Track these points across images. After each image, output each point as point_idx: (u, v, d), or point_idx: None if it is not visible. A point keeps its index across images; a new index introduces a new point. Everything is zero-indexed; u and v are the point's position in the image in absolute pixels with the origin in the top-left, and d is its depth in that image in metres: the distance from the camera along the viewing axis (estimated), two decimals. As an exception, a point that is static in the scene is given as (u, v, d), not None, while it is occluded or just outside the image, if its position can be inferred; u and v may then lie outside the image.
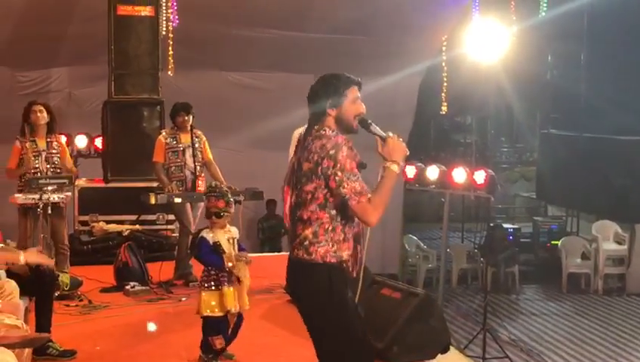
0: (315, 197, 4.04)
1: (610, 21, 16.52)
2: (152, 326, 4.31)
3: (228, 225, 5.84)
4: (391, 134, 4.12)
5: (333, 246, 4.05)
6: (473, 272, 15.97)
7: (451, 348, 6.38)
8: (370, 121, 4.18)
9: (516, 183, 22.97)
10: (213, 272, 5.64)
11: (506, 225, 17.70)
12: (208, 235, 5.70)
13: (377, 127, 4.16)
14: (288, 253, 4.27)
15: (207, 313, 5.60)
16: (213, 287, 5.62)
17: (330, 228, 4.05)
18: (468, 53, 12.00)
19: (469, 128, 22.56)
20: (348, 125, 4.17)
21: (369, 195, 3.94)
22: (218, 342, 5.66)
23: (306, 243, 4.07)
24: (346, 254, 4.09)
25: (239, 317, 5.76)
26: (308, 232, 4.07)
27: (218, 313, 5.60)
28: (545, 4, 11.95)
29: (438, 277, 13.29)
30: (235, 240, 5.80)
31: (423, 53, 12.94)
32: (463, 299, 15.00)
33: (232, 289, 5.62)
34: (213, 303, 5.60)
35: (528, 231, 18.02)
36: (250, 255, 5.96)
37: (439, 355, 6.05)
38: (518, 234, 17.40)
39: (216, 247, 5.65)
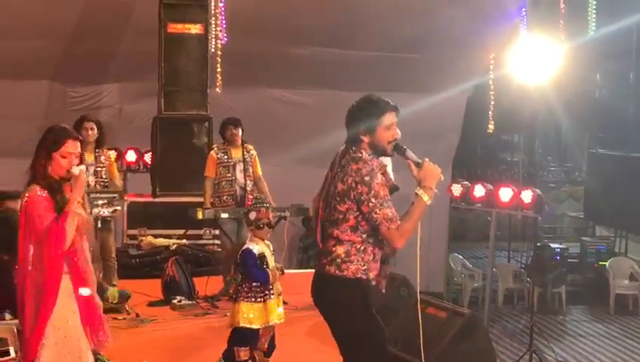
0: (346, 218, 4.15)
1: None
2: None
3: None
4: (427, 160, 4.16)
5: (364, 265, 4.18)
6: (519, 292, 15.77)
7: (497, 368, 6.31)
8: (405, 147, 4.23)
9: (564, 203, 22.68)
10: (256, 285, 5.63)
11: (553, 245, 17.45)
12: (254, 247, 5.70)
13: (412, 153, 4.21)
14: (317, 263, 4.38)
15: (245, 324, 5.55)
16: (255, 299, 5.59)
17: (362, 249, 4.17)
18: (516, 73, 11.88)
19: (516, 146, 22.35)
20: (382, 150, 4.24)
21: (399, 222, 4.04)
22: (243, 354, 5.59)
23: (338, 260, 4.17)
24: (373, 274, 4.21)
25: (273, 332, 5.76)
26: (340, 251, 4.18)
27: (256, 325, 5.55)
28: (594, 23, 11.82)
29: (484, 297, 13.18)
30: (273, 252, 5.82)
31: (471, 71, 12.89)
32: (509, 319, 14.82)
33: (273, 302, 5.64)
34: (252, 315, 5.56)
35: (576, 252, 17.76)
36: (292, 271, 5.97)
37: (485, 375, 5.99)
38: (566, 254, 17.15)
39: (262, 259, 5.65)
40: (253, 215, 5.84)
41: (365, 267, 4.16)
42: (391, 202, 4.10)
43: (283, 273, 5.81)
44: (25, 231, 4.35)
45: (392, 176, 4.51)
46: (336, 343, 4.35)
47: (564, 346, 12.88)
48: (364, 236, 4.15)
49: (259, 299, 5.62)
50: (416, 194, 4.11)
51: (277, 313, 5.65)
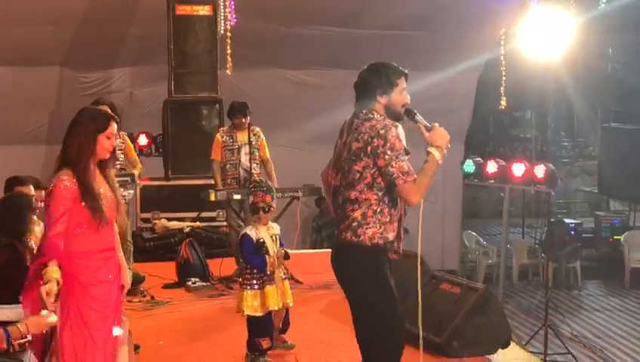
0: (363, 176, 4.14)
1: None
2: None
3: (270, 222, 5.85)
4: (436, 124, 4.21)
5: (380, 227, 4.16)
6: (534, 268, 15.76)
7: (512, 343, 6.31)
8: (415, 111, 4.25)
9: (577, 178, 22.60)
10: (255, 271, 5.64)
11: (567, 220, 17.44)
12: (252, 232, 5.69)
13: (421, 117, 4.25)
14: (335, 235, 4.38)
15: (250, 313, 5.60)
16: (256, 286, 5.62)
17: (378, 210, 4.16)
18: (526, 48, 11.80)
19: (528, 123, 22.24)
20: (395, 113, 4.28)
21: (415, 176, 4.03)
22: (265, 343, 5.65)
23: (355, 224, 4.17)
24: (391, 235, 4.21)
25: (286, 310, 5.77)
26: (357, 214, 4.17)
27: (259, 312, 5.59)
28: (606, -4, 11.73)
29: (498, 273, 13.17)
30: (277, 236, 5.79)
31: (481, 47, 12.81)
32: (524, 294, 14.82)
33: (274, 287, 5.64)
34: (256, 303, 5.61)
35: (590, 226, 17.72)
36: (305, 251, 5.97)
37: (500, 350, 5.99)
38: (580, 229, 17.12)
39: (260, 245, 5.64)
40: (250, 199, 5.84)
41: (382, 230, 4.16)
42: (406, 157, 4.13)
43: (288, 257, 5.79)
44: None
45: (404, 141, 4.50)
46: (351, 314, 4.36)
47: (579, 321, 12.88)
48: (380, 194, 4.14)
49: (256, 286, 5.62)
50: (428, 152, 4.14)
51: (276, 298, 5.64)
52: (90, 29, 11.47)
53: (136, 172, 8.45)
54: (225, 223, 9.10)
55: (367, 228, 4.15)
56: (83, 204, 4.19)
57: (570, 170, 22.52)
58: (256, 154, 8.50)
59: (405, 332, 4.30)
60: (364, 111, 4.24)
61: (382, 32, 12.15)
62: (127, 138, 8.43)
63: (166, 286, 8.36)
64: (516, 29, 12.16)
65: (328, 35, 12.27)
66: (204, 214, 9.87)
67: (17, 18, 10.94)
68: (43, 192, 6.86)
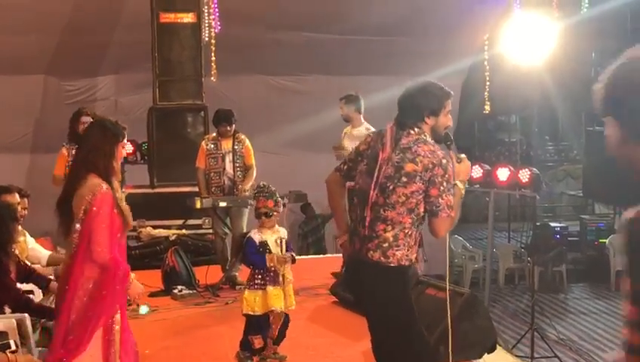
0: (408, 200, 4.09)
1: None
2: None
3: (277, 226, 5.86)
4: (464, 156, 4.39)
5: (408, 250, 4.22)
6: (520, 272, 15.76)
7: (499, 347, 6.32)
8: (452, 140, 4.46)
9: (562, 182, 22.68)
10: (257, 272, 5.67)
11: (552, 224, 17.48)
12: (255, 236, 5.73)
13: (455, 148, 4.50)
14: (354, 249, 4.33)
15: (248, 311, 5.64)
16: (257, 286, 5.65)
17: (408, 233, 4.21)
18: (509, 53, 11.84)
19: (513, 127, 22.32)
20: (439, 135, 4.34)
21: (455, 211, 4.19)
22: (257, 342, 5.70)
23: (385, 245, 4.16)
24: (414, 257, 4.27)
25: (286, 317, 5.77)
26: (389, 235, 4.17)
27: (258, 311, 5.61)
28: (586, 1, 11.77)
29: (485, 278, 13.17)
30: (284, 240, 5.79)
31: (465, 52, 12.85)
32: (510, 298, 14.83)
33: (277, 288, 5.64)
34: (255, 302, 5.63)
35: (575, 230, 17.75)
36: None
37: (486, 355, 5.99)
38: (565, 233, 17.15)
39: (263, 247, 5.67)
40: (254, 204, 5.90)
41: (409, 252, 4.22)
42: None
43: (294, 261, 5.80)
44: (85, 224, 4.35)
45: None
46: (371, 332, 4.37)
47: (565, 324, 12.89)
48: (414, 219, 4.19)
49: (258, 286, 5.65)
50: (455, 185, 4.24)
51: (280, 300, 5.65)
52: (74, 36, 11.43)
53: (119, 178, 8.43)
54: (211, 231, 9.07)
55: (396, 250, 4.18)
56: (116, 210, 4.39)
57: (555, 173, 22.60)
58: (240, 161, 8.49)
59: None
60: (415, 130, 4.24)
61: (364, 37, 12.18)
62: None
63: (152, 295, 8.31)
64: (500, 34, 12.20)
65: (312, 41, 12.28)
66: (190, 222, 9.83)
67: (0, 26, 10.90)
68: (26, 200, 6.84)
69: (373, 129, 6.61)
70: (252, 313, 5.62)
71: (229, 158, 8.48)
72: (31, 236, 7.00)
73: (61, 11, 11.12)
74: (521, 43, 11.54)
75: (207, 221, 9.62)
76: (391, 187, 4.16)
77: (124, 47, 11.71)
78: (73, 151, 8.04)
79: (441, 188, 4.10)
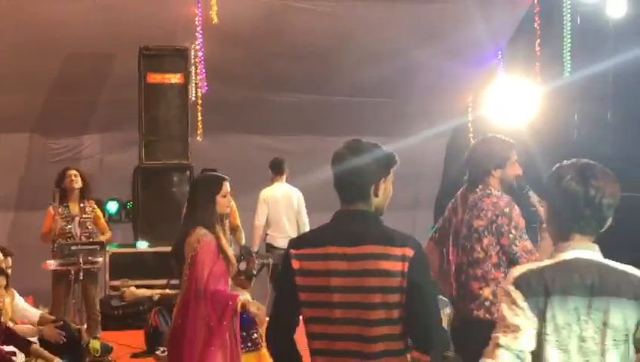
0: (488, 255, 4.24)
1: (635, 82, 16.49)
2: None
3: None
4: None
5: None
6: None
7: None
8: (528, 187, 4.53)
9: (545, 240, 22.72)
10: (245, 334, 5.55)
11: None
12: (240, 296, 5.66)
13: (533, 193, 4.50)
14: (456, 309, 4.46)
15: None
16: (250, 347, 5.54)
17: None
18: (493, 116, 11.99)
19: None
20: (509, 185, 4.48)
21: (537, 254, 4.21)
22: None
23: (487, 304, 4.24)
24: None
25: None
26: (487, 293, 4.26)
27: None
28: (569, 66, 11.97)
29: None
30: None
31: (449, 114, 12.98)
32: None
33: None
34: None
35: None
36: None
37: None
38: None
39: (243, 307, 5.59)
40: (243, 265, 5.82)
41: None
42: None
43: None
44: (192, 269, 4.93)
45: None
46: None
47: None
48: (505, 272, 4.20)
49: (253, 347, 5.56)
50: (543, 228, 4.34)
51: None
52: (60, 95, 11.48)
53: (103, 238, 8.41)
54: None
55: (499, 306, 4.22)
56: (221, 256, 4.94)
57: (539, 233, 22.63)
58: (226, 222, 8.49)
59: None
60: (480, 187, 4.38)
61: (352, 98, 12.30)
62: (95, 206, 8.41)
63: (134, 356, 8.26)
64: (483, 97, 12.36)
65: (298, 102, 12.39)
66: (174, 281, 9.78)
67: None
68: (10, 259, 6.81)
69: None
70: None
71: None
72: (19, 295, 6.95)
73: (48, 71, 11.17)
74: (505, 106, 11.70)
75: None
76: (468, 245, 4.32)
77: (111, 106, 11.76)
78: (59, 210, 8.05)
79: (510, 236, 4.23)
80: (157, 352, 8.18)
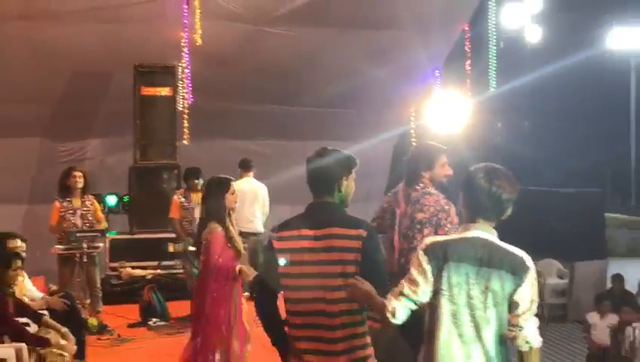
0: None
1: (548, 96, 16.83)
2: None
3: None
4: None
5: None
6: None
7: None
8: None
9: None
10: None
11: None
12: None
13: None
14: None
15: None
16: None
17: None
18: (431, 123, 12.07)
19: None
20: (440, 184, 4.56)
21: None
22: None
23: None
24: None
25: None
26: None
27: None
28: (494, 82, 12.10)
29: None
30: None
31: (396, 122, 13.04)
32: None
33: None
34: None
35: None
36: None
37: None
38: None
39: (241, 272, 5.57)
40: None
41: None
42: None
43: None
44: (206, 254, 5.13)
45: None
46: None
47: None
48: None
49: None
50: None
51: None
52: (67, 106, 11.35)
53: (103, 226, 8.33)
54: (182, 271, 8.97)
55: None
56: (229, 244, 5.09)
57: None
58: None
59: None
60: (421, 185, 4.46)
61: (316, 109, 12.31)
62: (94, 200, 8.29)
63: (131, 326, 8.20)
64: (424, 108, 12.44)
65: (271, 111, 12.37)
66: (163, 263, 9.72)
67: (4, 96, 10.79)
68: (24, 244, 6.70)
69: None
70: None
71: (198, 210, 8.41)
72: (28, 275, 6.83)
73: (56, 85, 11.05)
74: (441, 116, 11.79)
75: (178, 262, 9.54)
76: (410, 235, 4.36)
77: (110, 115, 11.63)
78: (64, 203, 7.92)
79: (446, 229, 4.29)
80: (149, 323, 8.15)
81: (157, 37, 10.42)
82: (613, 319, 9.27)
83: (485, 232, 3.15)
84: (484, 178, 3.18)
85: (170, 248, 8.47)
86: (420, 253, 3.14)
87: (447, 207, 4.36)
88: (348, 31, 11.27)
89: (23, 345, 5.03)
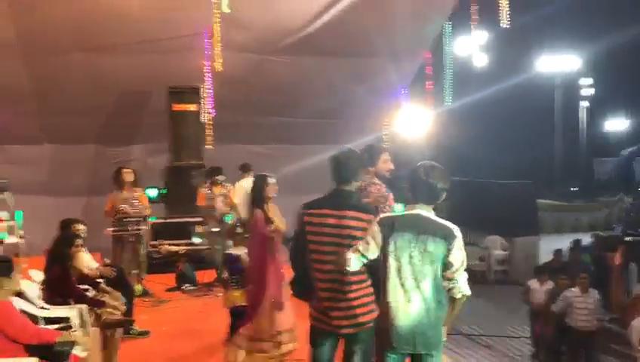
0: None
1: (493, 109, 16.87)
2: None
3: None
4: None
5: None
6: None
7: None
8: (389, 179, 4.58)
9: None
10: (235, 276, 5.41)
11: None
12: (233, 252, 5.56)
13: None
14: None
15: (238, 303, 5.31)
16: (237, 286, 5.38)
17: None
18: (401, 130, 12.07)
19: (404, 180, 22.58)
20: (383, 177, 4.54)
21: None
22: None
23: None
24: None
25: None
26: None
27: (242, 303, 5.25)
28: (449, 97, 12.12)
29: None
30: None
31: (373, 129, 12.99)
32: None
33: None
34: (238, 297, 5.28)
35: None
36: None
37: None
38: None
39: (238, 259, 5.44)
40: (239, 229, 5.73)
41: None
42: None
43: None
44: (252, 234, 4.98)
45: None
46: None
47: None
48: None
49: (239, 286, 5.35)
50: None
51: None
52: (116, 119, 11.33)
53: (147, 212, 8.31)
54: (207, 247, 8.97)
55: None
56: (267, 223, 4.86)
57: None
58: (228, 200, 8.43)
59: None
60: (368, 177, 4.38)
61: (311, 120, 12.32)
62: (142, 191, 8.26)
63: (168, 290, 8.20)
64: (395, 118, 12.43)
65: (275, 122, 12.37)
66: (193, 240, 9.72)
67: (65, 110, 10.76)
68: (85, 227, 6.67)
69: None
70: (240, 304, 5.22)
71: (219, 200, 8.41)
72: (88, 251, 6.81)
73: (107, 102, 11.02)
74: (408, 124, 11.80)
75: (204, 240, 9.52)
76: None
77: (149, 126, 11.59)
78: (117, 195, 7.86)
79: (384, 210, 4.22)
80: (183, 288, 8.14)
81: (186, 65, 10.39)
82: (549, 285, 9.40)
83: (424, 211, 3.34)
84: (424, 172, 3.37)
85: (198, 229, 8.44)
86: (375, 223, 3.36)
87: (386, 194, 4.35)
88: (335, 58, 11.31)
89: (84, 306, 5.02)
